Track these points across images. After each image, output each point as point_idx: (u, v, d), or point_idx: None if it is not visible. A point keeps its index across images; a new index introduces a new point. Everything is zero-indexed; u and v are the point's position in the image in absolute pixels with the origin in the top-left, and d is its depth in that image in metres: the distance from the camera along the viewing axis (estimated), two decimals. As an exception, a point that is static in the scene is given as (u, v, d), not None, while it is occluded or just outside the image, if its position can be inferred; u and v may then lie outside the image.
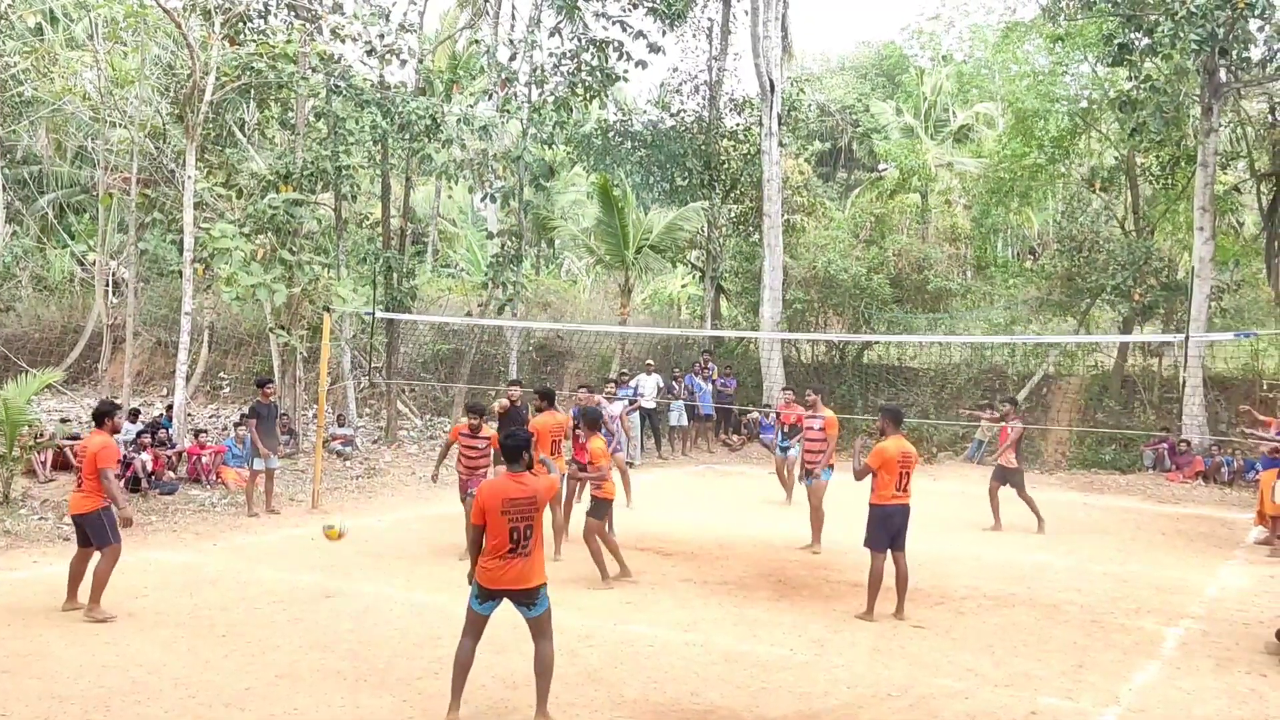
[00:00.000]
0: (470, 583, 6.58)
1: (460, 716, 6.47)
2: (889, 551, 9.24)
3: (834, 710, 6.94)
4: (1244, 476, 18.04)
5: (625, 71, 22.43)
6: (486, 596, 6.50)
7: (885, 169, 34.37)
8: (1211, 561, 12.41)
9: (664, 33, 23.86)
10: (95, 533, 8.68)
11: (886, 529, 9.21)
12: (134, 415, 17.88)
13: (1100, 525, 14.78)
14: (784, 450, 15.54)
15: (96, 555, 8.73)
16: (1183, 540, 13.83)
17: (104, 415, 9.00)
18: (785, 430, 15.35)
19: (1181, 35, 18.18)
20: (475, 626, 6.55)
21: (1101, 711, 7.07)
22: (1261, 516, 13.61)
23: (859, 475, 9.46)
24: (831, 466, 12.32)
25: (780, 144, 23.99)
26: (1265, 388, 20.48)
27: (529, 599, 6.47)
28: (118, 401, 10.86)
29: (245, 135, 22.52)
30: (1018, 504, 14.01)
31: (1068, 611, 9.70)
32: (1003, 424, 14.37)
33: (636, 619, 9.06)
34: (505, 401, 13.19)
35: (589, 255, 26.01)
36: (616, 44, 22.17)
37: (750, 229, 26.08)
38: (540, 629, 6.52)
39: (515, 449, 6.64)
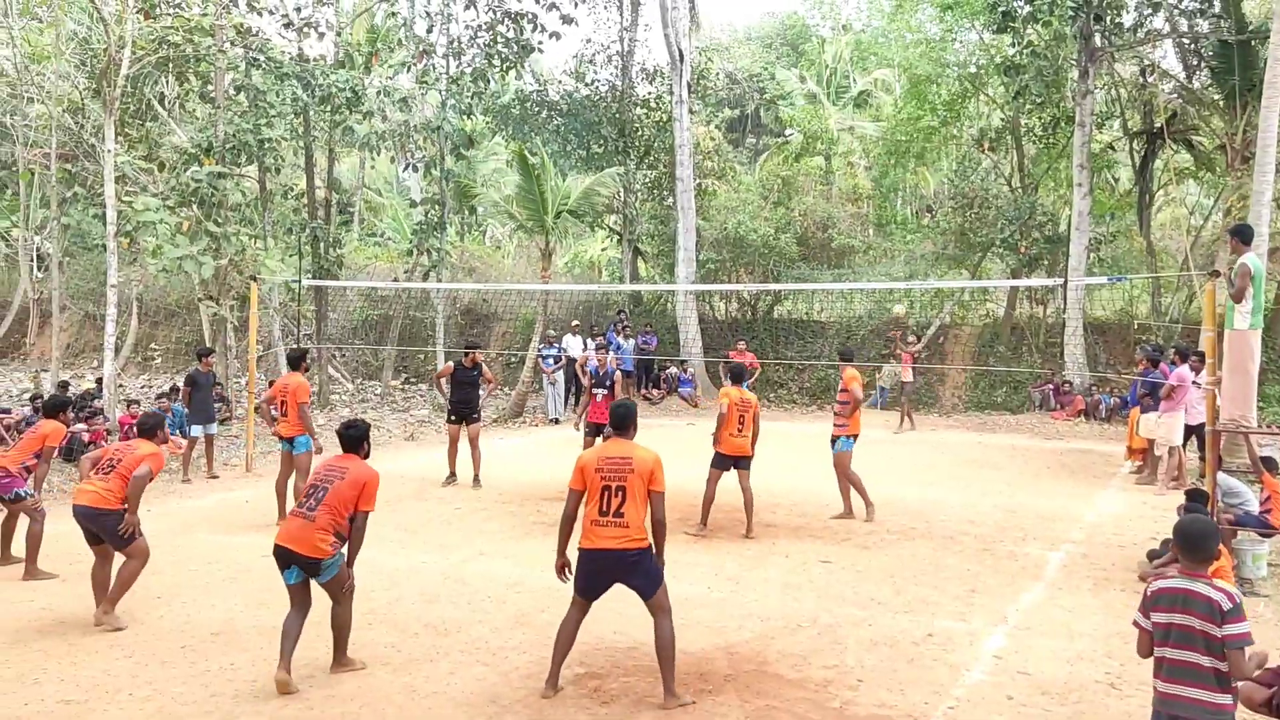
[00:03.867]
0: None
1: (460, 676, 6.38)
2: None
3: (748, 642, 7.05)
4: (1119, 413, 18.70)
5: (540, 43, 22.11)
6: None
7: (791, 134, 34.53)
8: (1090, 491, 12.87)
9: (576, 4, 23.60)
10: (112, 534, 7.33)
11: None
12: (63, 388, 17.31)
13: (992, 462, 15.20)
14: None
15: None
16: (1065, 473, 14.30)
17: (155, 428, 7.85)
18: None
19: (1059, 3, 18.52)
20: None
21: (991, 630, 7.30)
22: (1130, 450, 14.13)
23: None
24: (852, 436, 10.88)
25: (690, 111, 23.94)
26: (1136, 329, 21.19)
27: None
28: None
29: (166, 109, 21.74)
30: (918, 446, 14.34)
31: (962, 542, 9.98)
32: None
33: (562, 565, 9.07)
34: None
35: (510, 221, 25.74)
36: (530, 16, 21.83)
37: (664, 193, 26.06)
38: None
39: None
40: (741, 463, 10.26)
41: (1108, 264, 22.31)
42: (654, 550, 5.99)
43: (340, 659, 6.45)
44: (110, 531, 7.31)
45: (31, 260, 24.68)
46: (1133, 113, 23.44)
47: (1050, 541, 10.05)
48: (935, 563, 9.18)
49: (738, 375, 10.61)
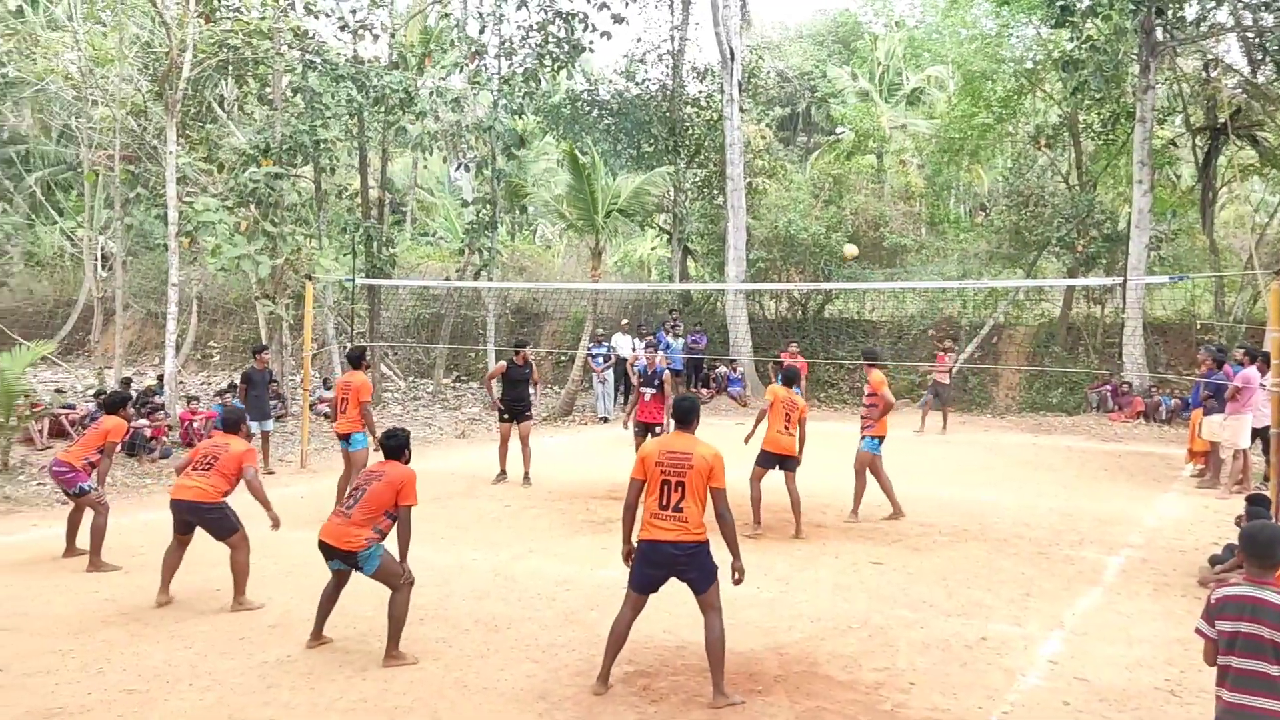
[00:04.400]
0: None
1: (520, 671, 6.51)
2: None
3: (798, 643, 7.01)
4: (1180, 415, 18.28)
5: (591, 42, 22.16)
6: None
7: (842, 132, 34.27)
8: (1150, 494, 12.61)
9: (627, 4, 23.58)
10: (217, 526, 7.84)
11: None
12: (126, 384, 17.70)
13: (1047, 464, 14.95)
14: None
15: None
16: (1124, 475, 14.03)
17: (238, 422, 8.29)
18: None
19: (1119, -4, 18.13)
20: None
21: (1047, 635, 7.18)
22: (1191, 453, 13.81)
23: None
24: (878, 438, 10.80)
25: (741, 110, 23.86)
26: (1199, 329, 20.72)
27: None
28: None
29: (225, 111, 22.15)
30: (972, 447, 14.18)
31: (1016, 545, 9.83)
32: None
33: (611, 564, 9.07)
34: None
35: (561, 220, 25.85)
36: (581, 15, 21.89)
37: (714, 192, 25.99)
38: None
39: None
40: (788, 463, 10.21)
41: (1169, 263, 21.85)
42: (729, 548, 5.99)
43: (392, 651, 6.58)
44: (212, 524, 7.82)
45: (96, 259, 25.28)
46: (1195, 108, 22.92)
47: (1108, 545, 9.86)
48: (989, 565, 9.06)
49: (790, 379, 10.58)
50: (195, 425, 15.73)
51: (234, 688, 6.14)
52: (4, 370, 13.23)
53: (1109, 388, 19.90)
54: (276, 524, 7.96)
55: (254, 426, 13.68)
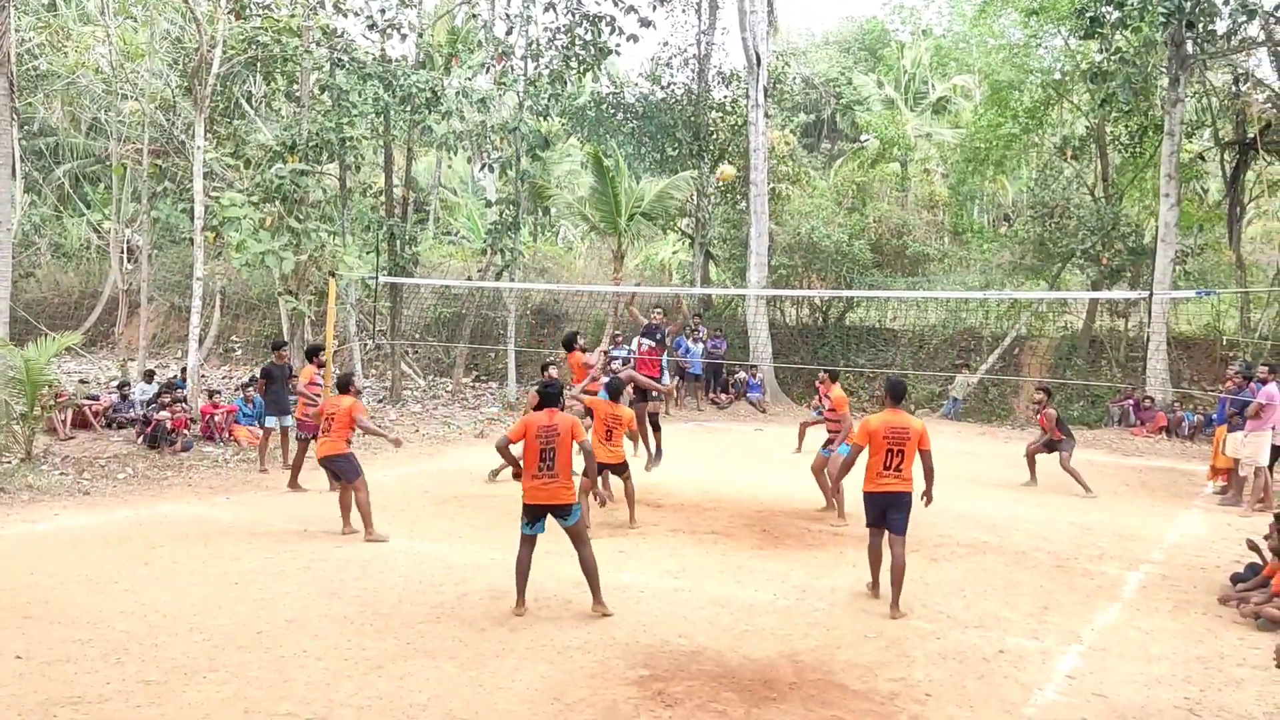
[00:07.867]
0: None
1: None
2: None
3: (813, 650, 6.98)
4: (1204, 431, 18.14)
5: (617, 46, 22.20)
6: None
7: (867, 139, 34.21)
8: (1172, 510, 12.50)
9: (654, 8, 23.64)
10: (345, 471, 9.99)
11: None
12: (149, 376, 17.85)
13: (1067, 477, 14.80)
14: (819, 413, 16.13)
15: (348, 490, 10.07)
16: (1145, 491, 13.91)
17: (347, 383, 10.52)
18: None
19: (1150, 8, 18.05)
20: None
21: (1064, 650, 7.13)
22: (1214, 470, 13.68)
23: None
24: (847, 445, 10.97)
25: (766, 115, 23.84)
26: (1224, 345, 20.54)
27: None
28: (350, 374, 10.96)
29: (252, 107, 22.30)
30: (993, 459, 14.09)
31: (1035, 558, 9.77)
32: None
33: (628, 567, 9.10)
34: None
35: (584, 223, 25.89)
36: (609, 19, 21.93)
37: (737, 197, 25.98)
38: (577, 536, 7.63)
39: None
40: (619, 470, 10.64)
41: (1194, 277, 21.69)
42: (926, 481, 7.92)
43: (598, 599, 7.62)
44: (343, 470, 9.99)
45: (122, 252, 25.50)
46: (1224, 122, 22.75)
47: (1128, 561, 9.79)
48: (1007, 578, 9.00)
49: (614, 392, 10.66)
50: (216, 419, 15.82)
51: (251, 681, 6.17)
52: (30, 360, 13.33)
53: (1131, 402, 19.75)
54: (398, 443, 10.80)
55: (273, 421, 13.76)
